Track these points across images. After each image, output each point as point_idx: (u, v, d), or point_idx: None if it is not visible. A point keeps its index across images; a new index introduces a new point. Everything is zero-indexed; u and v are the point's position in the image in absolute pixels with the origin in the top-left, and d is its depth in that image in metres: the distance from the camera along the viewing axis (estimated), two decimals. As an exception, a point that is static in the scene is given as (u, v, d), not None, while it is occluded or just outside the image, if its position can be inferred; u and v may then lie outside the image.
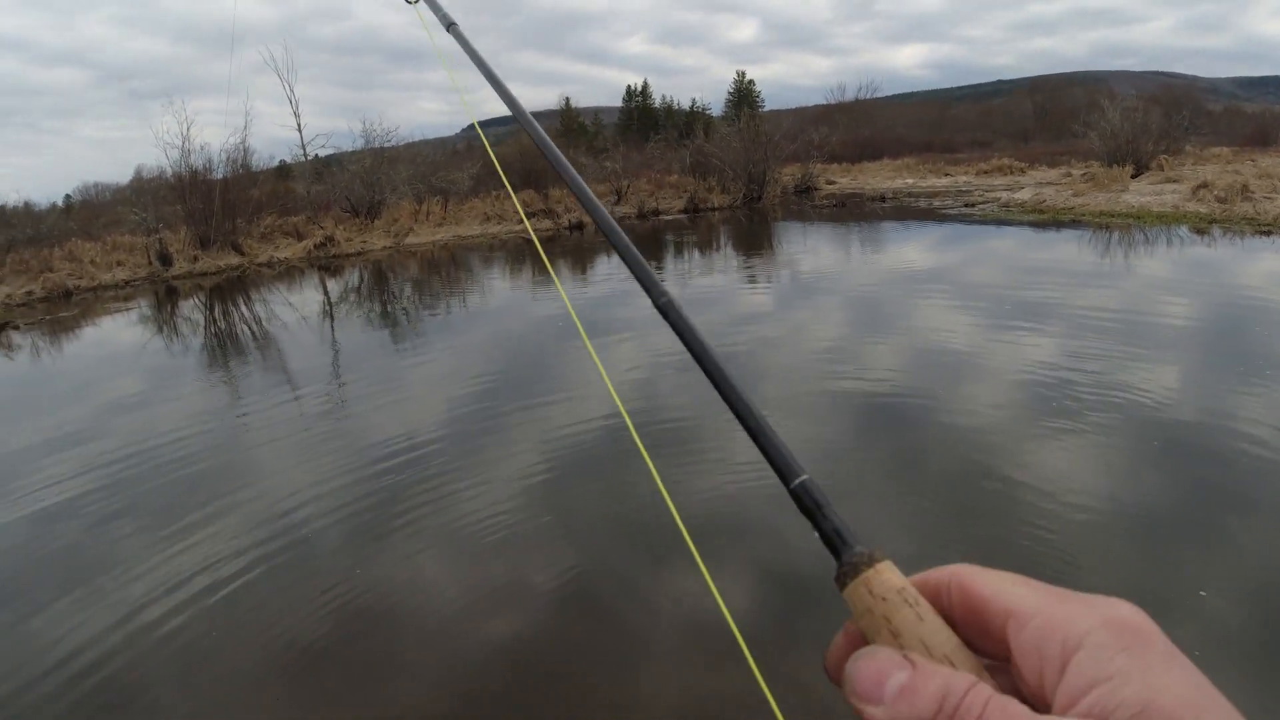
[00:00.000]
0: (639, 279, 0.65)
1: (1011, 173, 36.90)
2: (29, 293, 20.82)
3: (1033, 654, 0.36)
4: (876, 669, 0.37)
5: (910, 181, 36.94)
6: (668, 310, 0.60)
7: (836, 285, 13.42)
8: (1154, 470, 5.53)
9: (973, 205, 24.62)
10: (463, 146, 50.23)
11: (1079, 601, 0.37)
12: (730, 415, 0.52)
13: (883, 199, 29.30)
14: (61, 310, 18.81)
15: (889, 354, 8.82)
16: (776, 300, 12.82)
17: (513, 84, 1.02)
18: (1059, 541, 4.69)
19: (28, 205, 32.28)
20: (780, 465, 0.47)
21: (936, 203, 26.70)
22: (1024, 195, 25.19)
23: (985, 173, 37.79)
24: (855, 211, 25.92)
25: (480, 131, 1.77)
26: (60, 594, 5.09)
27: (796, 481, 0.45)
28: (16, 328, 16.68)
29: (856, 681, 0.38)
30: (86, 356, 13.74)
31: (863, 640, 0.41)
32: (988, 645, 0.40)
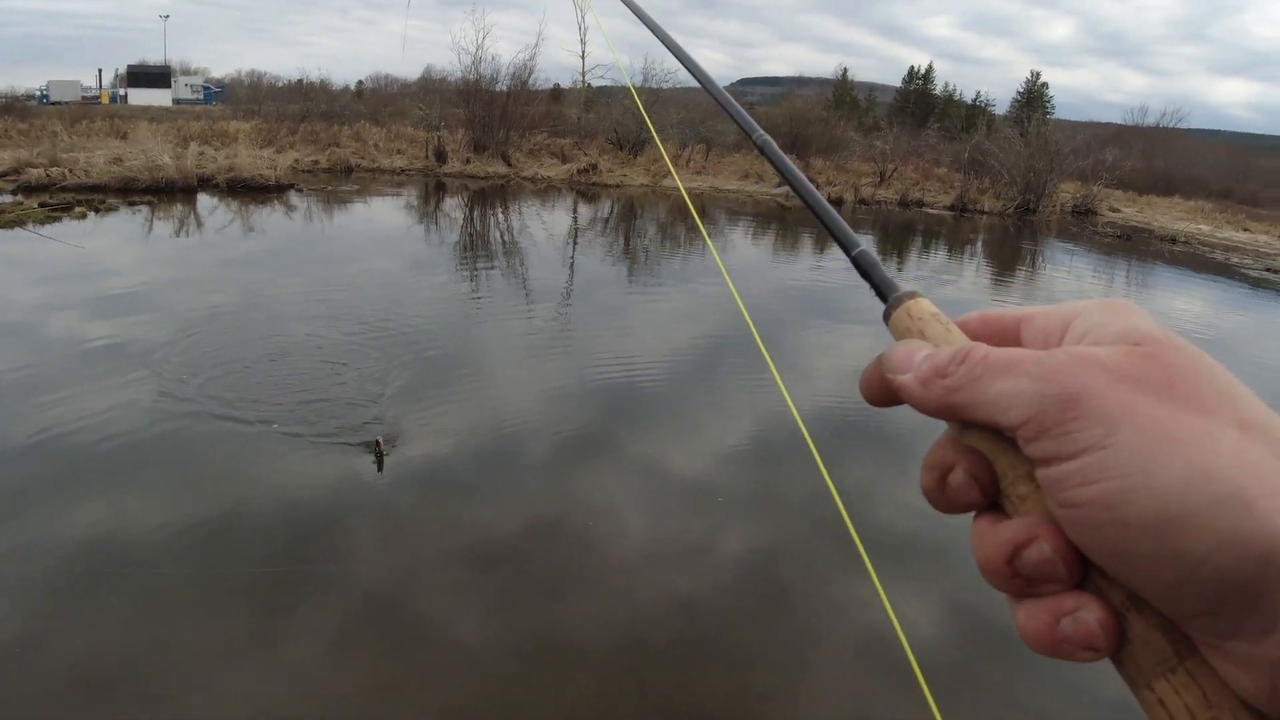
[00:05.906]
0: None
1: (1324, 241, 31.92)
2: (315, 161, 22.87)
3: (1039, 336, 0.42)
4: (908, 349, 0.44)
5: (1205, 228, 32.84)
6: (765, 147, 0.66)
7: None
8: None
9: (1278, 271, 21.54)
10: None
11: (1078, 300, 0.42)
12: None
13: (1173, 241, 26.31)
14: (341, 184, 20.50)
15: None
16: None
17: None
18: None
19: (324, 83, 34.94)
20: (842, 239, 0.53)
21: (1234, 259, 23.62)
22: (1342, 269, 21.73)
23: (1292, 235, 32.93)
24: (1139, 248, 23.44)
25: (633, 90, 1.59)
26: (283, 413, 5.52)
27: (856, 250, 0.52)
28: (300, 190, 18.33)
29: (891, 359, 0.44)
30: (354, 230, 14.96)
31: None
32: None
